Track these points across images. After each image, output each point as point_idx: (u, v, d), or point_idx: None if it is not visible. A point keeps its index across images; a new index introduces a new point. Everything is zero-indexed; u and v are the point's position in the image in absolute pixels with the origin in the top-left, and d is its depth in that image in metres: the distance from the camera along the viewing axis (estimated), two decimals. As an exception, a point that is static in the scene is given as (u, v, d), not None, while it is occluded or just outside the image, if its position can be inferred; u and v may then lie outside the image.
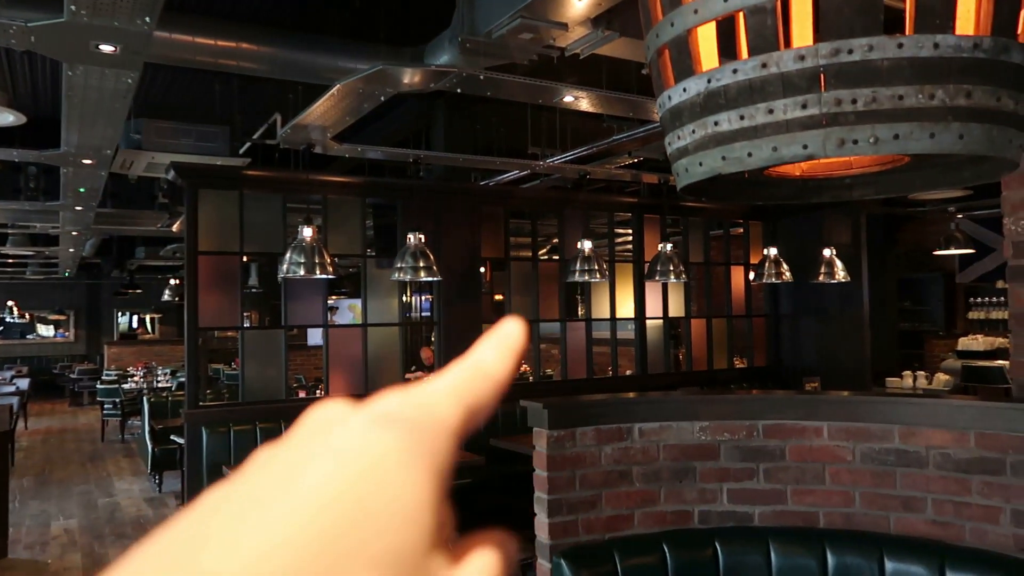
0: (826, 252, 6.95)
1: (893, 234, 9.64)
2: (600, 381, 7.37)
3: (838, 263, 6.95)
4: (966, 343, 8.49)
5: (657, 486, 2.42)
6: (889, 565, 2.22)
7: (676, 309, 7.88)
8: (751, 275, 7.84)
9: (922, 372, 7.72)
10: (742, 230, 8.42)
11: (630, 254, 7.82)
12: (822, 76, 1.23)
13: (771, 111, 1.28)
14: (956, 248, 7.68)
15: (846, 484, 2.38)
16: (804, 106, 1.24)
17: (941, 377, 7.51)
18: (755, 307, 8.41)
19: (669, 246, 6.70)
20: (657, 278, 6.65)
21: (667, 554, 2.30)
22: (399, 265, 5.46)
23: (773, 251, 6.98)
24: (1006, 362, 6.50)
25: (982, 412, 2.18)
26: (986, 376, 7.72)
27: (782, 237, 8.07)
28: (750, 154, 1.33)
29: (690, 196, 1.72)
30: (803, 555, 2.30)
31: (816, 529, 2.39)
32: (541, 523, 2.32)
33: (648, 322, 7.68)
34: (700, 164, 1.46)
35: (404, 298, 6.72)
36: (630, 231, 7.91)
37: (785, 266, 6.92)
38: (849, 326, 7.80)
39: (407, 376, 7.46)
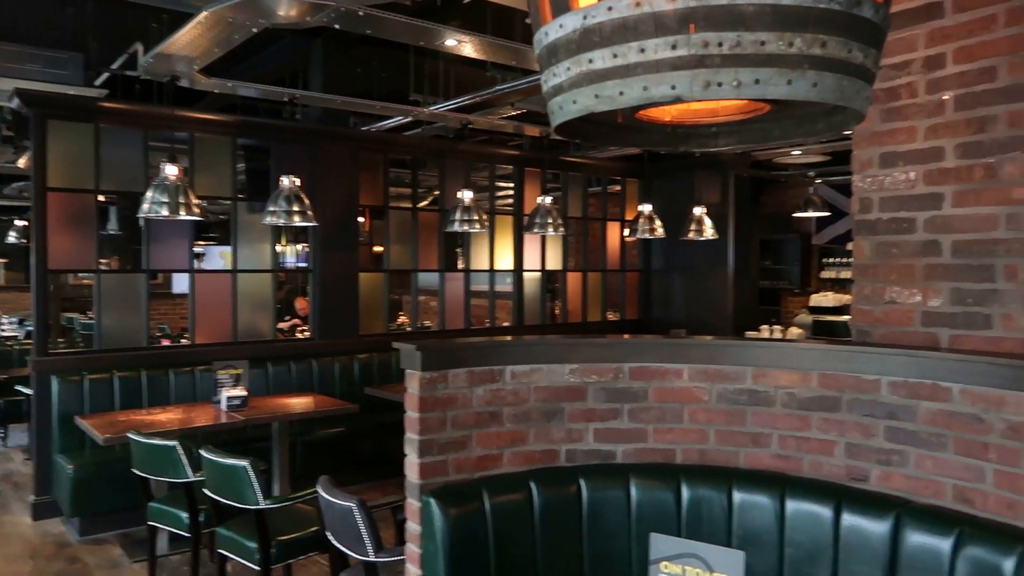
0: (696, 210, 7.25)
1: (758, 196, 10.17)
2: (477, 332, 7.43)
3: (707, 221, 7.27)
4: (817, 299, 9.13)
5: (527, 426, 2.48)
6: (737, 496, 2.38)
7: (554, 263, 8.03)
8: (626, 231, 8.08)
9: (778, 326, 8.25)
10: (619, 187, 8.64)
11: (511, 208, 7.86)
12: (692, 17, 1.26)
13: (643, 50, 1.29)
14: (813, 211, 8.20)
15: (702, 423, 2.52)
16: (674, 47, 1.26)
17: (794, 331, 8.06)
18: (629, 262, 8.69)
19: (549, 199, 6.77)
20: (536, 231, 6.73)
21: (534, 491, 2.37)
22: (271, 209, 5.25)
23: (647, 208, 7.21)
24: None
25: (824, 354, 2.36)
26: (833, 329, 8.36)
27: (656, 195, 8.34)
28: (622, 93, 1.34)
29: (566, 137, 1.73)
30: (660, 489, 2.43)
31: (673, 465, 2.53)
32: (411, 463, 2.33)
33: (526, 275, 7.79)
34: (574, 102, 1.46)
35: (279, 246, 6.48)
36: (511, 184, 7.94)
37: (658, 223, 7.17)
38: (715, 282, 8.21)
39: (280, 325, 7.24)
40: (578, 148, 8.07)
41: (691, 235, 7.29)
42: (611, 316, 8.60)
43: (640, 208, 7.33)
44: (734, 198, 8.18)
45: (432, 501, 2.25)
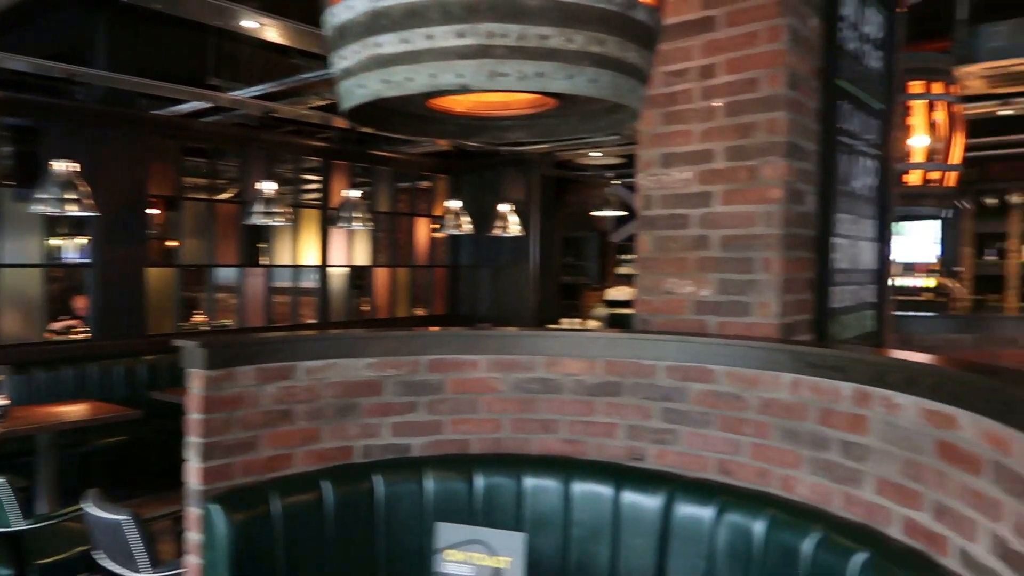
0: (503, 207, 7.45)
1: (561, 195, 10.61)
2: (279, 330, 7.13)
3: (513, 218, 7.49)
4: (613, 293, 9.69)
5: (321, 424, 2.40)
6: (527, 481, 2.46)
7: (362, 258, 7.88)
8: (435, 227, 8.12)
9: (578, 320, 8.67)
10: (429, 183, 8.66)
11: (318, 201, 7.61)
12: (478, 7, 1.27)
13: (431, 37, 1.29)
14: (610, 210, 8.69)
15: (497, 412, 2.57)
16: (461, 35, 1.27)
17: (591, 324, 8.50)
18: (437, 258, 8.74)
19: (357, 193, 6.64)
20: (343, 225, 6.57)
21: (326, 490, 2.30)
22: (41, 196, 4.69)
23: (456, 204, 7.30)
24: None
25: (610, 342, 2.50)
26: (625, 322, 8.92)
27: (465, 191, 8.45)
28: (410, 79, 1.33)
29: (358, 123, 1.69)
30: (455, 479, 2.45)
31: (468, 455, 2.57)
32: (192, 469, 2.18)
33: (333, 271, 7.58)
34: (363, 87, 1.43)
35: (56, 239, 5.81)
36: (319, 177, 7.69)
37: (466, 219, 7.28)
38: (520, 277, 8.47)
39: (53, 326, 6.51)
40: (389, 142, 7.99)
41: (497, 231, 7.46)
42: (419, 311, 8.60)
43: (448, 204, 7.39)
44: (539, 196, 8.48)
45: (214, 507, 2.11)
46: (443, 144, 7.49)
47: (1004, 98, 5.56)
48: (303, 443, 2.38)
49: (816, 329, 2.61)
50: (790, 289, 2.43)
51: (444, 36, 1.25)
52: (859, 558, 1.84)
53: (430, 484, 2.46)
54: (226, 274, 6.93)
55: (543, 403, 2.57)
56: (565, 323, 8.44)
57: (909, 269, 8.90)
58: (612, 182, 9.06)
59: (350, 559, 2.34)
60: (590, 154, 8.09)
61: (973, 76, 4.62)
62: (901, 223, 8.57)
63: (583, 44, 1.25)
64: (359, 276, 8.19)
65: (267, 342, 2.43)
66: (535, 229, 8.35)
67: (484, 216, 7.69)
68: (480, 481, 2.47)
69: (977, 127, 7.52)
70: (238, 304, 6.89)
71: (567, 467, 2.48)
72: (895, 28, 3.09)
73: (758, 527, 2.12)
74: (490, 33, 1.23)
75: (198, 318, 7.75)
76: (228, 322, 7.54)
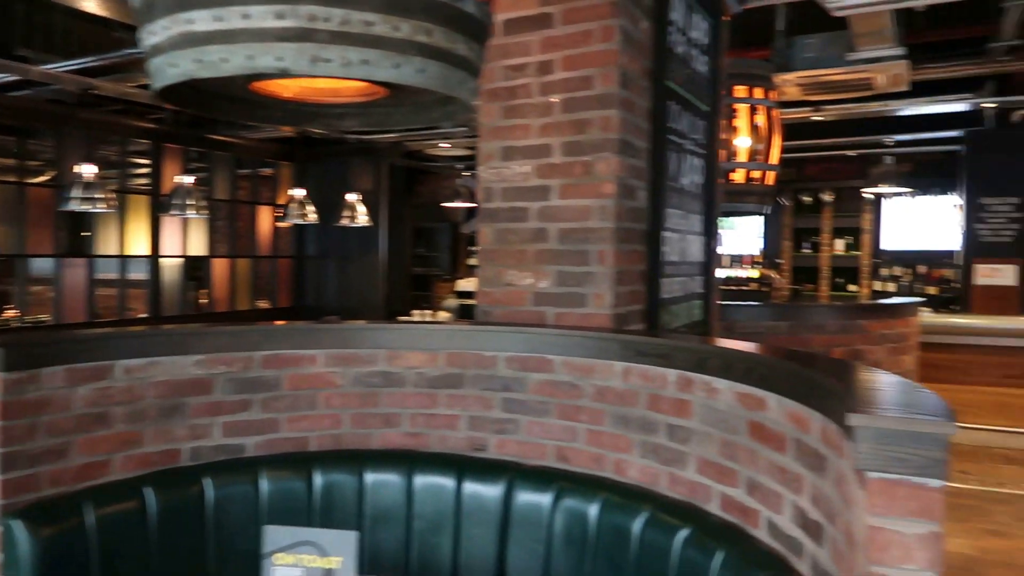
0: (350, 197, 7.27)
1: (412, 186, 10.52)
2: (103, 326, 6.60)
3: (361, 208, 7.34)
4: (462, 284, 9.74)
5: (143, 426, 2.23)
6: (369, 477, 2.42)
7: (198, 248, 7.44)
8: (278, 216, 7.80)
9: (429, 311, 8.64)
10: (272, 170, 8.30)
11: (147, 187, 7.10)
12: (299, -11, 1.21)
13: (247, 16, 1.22)
14: (460, 202, 8.71)
15: (336, 407, 2.51)
16: (280, 16, 1.21)
17: (442, 314, 8.50)
18: (282, 248, 8.41)
19: (191, 179, 6.25)
20: (175, 212, 6.17)
21: (149, 497, 2.15)
22: None
23: (300, 192, 7.05)
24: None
25: (451, 334, 2.50)
26: (472, 312, 9.01)
27: (310, 180, 8.18)
28: (225, 60, 1.25)
29: (173, 104, 1.58)
30: (292, 478, 2.37)
31: (306, 453, 2.49)
32: (-9, 481, 1.96)
33: (166, 262, 7.10)
34: (174, 66, 1.33)
35: None
36: (148, 161, 7.17)
37: (311, 208, 7.05)
38: (369, 269, 8.32)
39: None
40: (228, 126, 7.57)
41: (345, 221, 7.29)
42: (263, 304, 8.25)
43: (292, 192, 7.13)
44: (388, 186, 8.36)
45: (16, 523, 1.92)
46: (287, 130, 7.20)
47: (816, 105, 6.08)
48: (122, 448, 2.21)
49: (648, 318, 2.74)
50: (623, 281, 2.53)
51: (262, 16, 1.19)
52: (682, 534, 1.94)
53: (265, 485, 2.35)
54: (42, 265, 6.33)
55: (385, 397, 2.53)
56: (416, 314, 8.39)
57: (737, 261, 9.58)
58: (463, 173, 9.08)
59: (177, 568, 2.20)
60: (440, 145, 8.07)
61: (790, 83, 5.02)
62: (729, 218, 9.19)
63: (409, 33, 1.23)
64: (196, 267, 7.74)
65: (80, 339, 2.23)
66: (384, 220, 8.23)
67: (331, 205, 7.48)
68: (319, 479, 2.40)
69: (795, 131, 8.20)
70: (55, 298, 6.31)
71: (409, 460, 2.46)
72: (720, 34, 3.29)
73: (592, 510, 2.19)
74: (312, 16, 1.18)
75: (9, 313, 7.03)
76: (45, 317, 6.90)
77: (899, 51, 4.46)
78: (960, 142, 7.84)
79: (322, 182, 8.22)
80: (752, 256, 9.80)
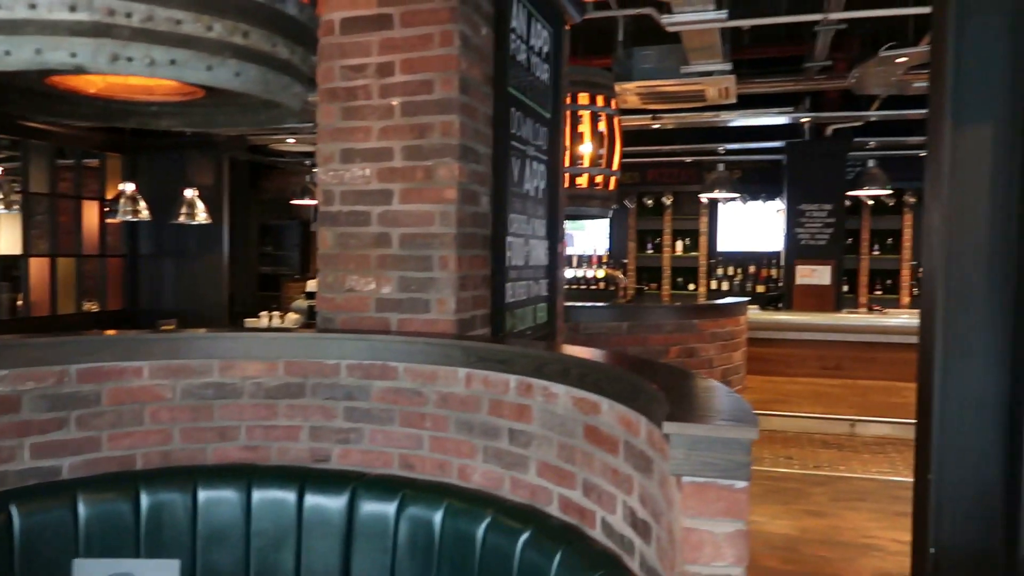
0: (187, 192, 6.86)
1: (257, 181, 10.08)
2: None
3: (199, 204, 6.93)
4: (313, 285, 9.46)
5: (-69, 452, 2.00)
6: (202, 494, 2.28)
7: (10, 246, 6.76)
8: (107, 211, 7.23)
9: (277, 312, 8.31)
10: (98, 162, 7.68)
11: (-53, 176, 6.36)
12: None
13: (33, 6, 1.11)
14: (310, 199, 8.44)
15: (166, 422, 2.35)
16: (73, 8, 1.11)
17: (291, 316, 8.21)
18: (111, 247, 7.80)
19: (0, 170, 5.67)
20: (-18, 207, 5.57)
21: (-62, 531, 1.92)
22: None
23: (130, 187, 6.57)
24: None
25: (289, 342, 2.41)
26: (327, 315, 8.75)
27: (143, 174, 7.64)
28: (8, 53, 1.13)
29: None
30: (115, 500, 2.20)
31: (131, 472, 2.32)
32: None
33: (-29, 260, 6.40)
34: (-49, 56, 1.19)
35: None
36: (-52, 148, 6.44)
37: (143, 204, 6.58)
38: (210, 268, 7.89)
39: None
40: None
41: (182, 218, 6.86)
42: (90, 306, 7.62)
43: (122, 187, 6.63)
44: (230, 181, 7.96)
45: None
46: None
47: (654, 113, 6.40)
48: (-96, 479, 1.96)
49: (493, 323, 2.76)
50: (467, 286, 2.54)
51: (52, 7, 1.09)
52: (523, 537, 1.97)
53: (83, 510, 2.17)
54: None
55: (219, 409, 2.41)
56: (264, 316, 8.05)
57: (585, 261, 9.91)
58: (313, 169, 8.80)
59: (-27, 611, 1.99)
60: (287, 140, 7.78)
61: (630, 92, 5.25)
62: (579, 220, 9.49)
63: (223, 34, 1.16)
64: (9, 267, 7.03)
65: None
66: (226, 217, 7.83)
67: (167, 201, 7.02)
68: (146, 499, 2.24)
69: (637, 137, 8.59)
70: None
71: (247, 475, 2.35)
72: (561, 43, 3.37)
73: (437, 517, 2.18)
74: (110, 10, 1.09)
75: None
76: None
77: (727, 66, 4.77)
78: (782, 152, 8.51)
79: (156, 176, 7.70)
80: (599, 256, 10.17)
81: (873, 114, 6.63)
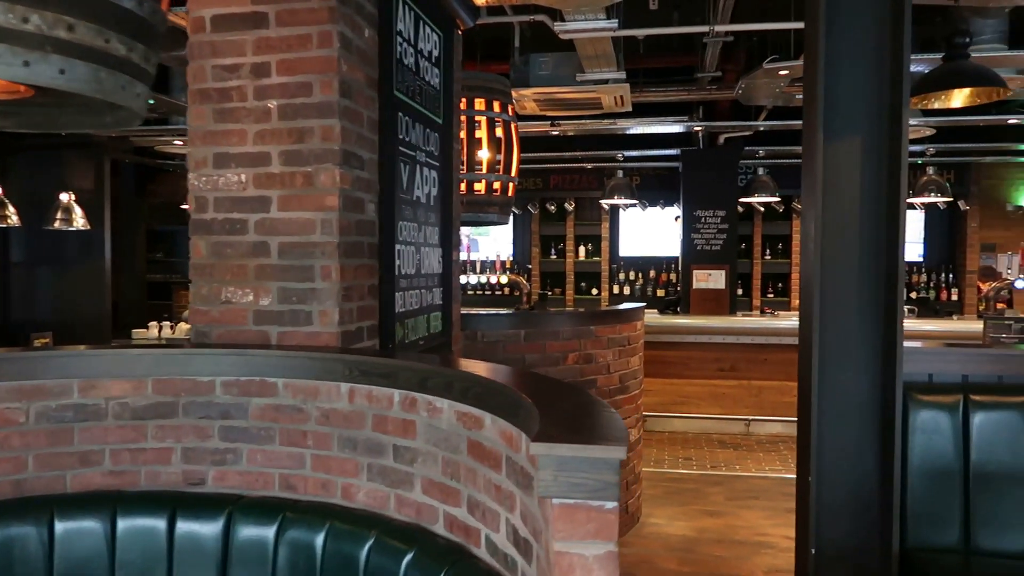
0: (63, 197, 6.43)
1: (144, 185, 9.58)
2: None
3: (77, 209, 6.51)
4: (207, 295, 9.06)
5: None
6: (60, 526, 2.10)
7: None
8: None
9: (168, 322, 7.90)
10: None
11: None
12: None
13: None
14: (200, 205, 8.07)
15: (17, 448, 2.16)
16: None
17: (183, 326, 7.82)
18: (-22, 255, 7.24)
19: None
20: None
21: None
22: None
23: (-2, 191, 6.10)
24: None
25: (159, 359, 2.25)
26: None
27: (12, 177, 7.12)
28: None
29: None
30: (-46, 539, 1.99)
31: (-27, 507, 2.11)
32: None
33: None
34: None
35: None
36: None
37: (12, 209, 6.12)
38: (90, 277, 7.42)
39: None
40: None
41: (58, 224, 6.42)
42: (-47, 320, 7.04)
43: (-12, 191, 6.15)
44: (113, 185, 7.52)
45: None
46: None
47: (553, 120, 6.44)
48: None
49: (382, 334, 2.68)
50: (352, 296, 2.44)
51: None
52: (407, 558, 1.90)
53: (-83, 550, 1.96)
54: None
55: (80, 433, 2.22)
56: (154, 327, 7.63)
57: (488, 267, 9.89)
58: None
59: None
60: (174, 142, 7.42)
61: (527, 99, 5.25)
62: (480, 227, 9.47)
63: (44, 26, 1.04)
64: None
65: None
66: (107, 221, 7.38)
67: (40, 206, 6.56)
68: (-8, 536, 2.04)
69: (540, 144, 8.64)
70: None
71: (112, 502, 2.17)
72: (452, 48, 3.32)
73: (319, 540, 2.08)
74: (-94, -4, 0.96)
75: None
76: None
77: (621, 75, 4.84)
78: (678, 160, 8.75)
79: (30, 178, 7.19)
80: (503, 262, 10.17)
81: (762, 124, 6.89)
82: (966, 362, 2.47)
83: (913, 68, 4.33)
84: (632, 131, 7.27)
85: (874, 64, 2.29)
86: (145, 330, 7.71)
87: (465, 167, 4.58)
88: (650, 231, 10.16)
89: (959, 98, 3.27)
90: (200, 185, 2.43)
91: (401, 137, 2.78)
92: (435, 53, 3.16)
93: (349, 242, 2.42)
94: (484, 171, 4.63)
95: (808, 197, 2.41)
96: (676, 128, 7.21)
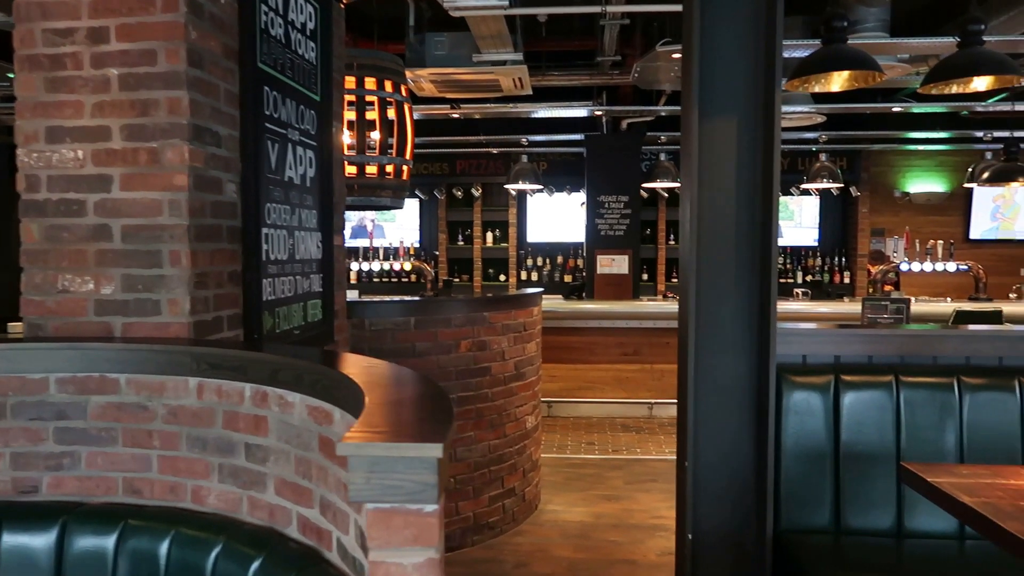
0: (-81, 179, 5.88)
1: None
2: None
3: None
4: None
5: None
6: None
7: None
8: None
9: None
10: None
11: None
12: None
13: None
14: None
15: None
16: None
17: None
18: None
19: None
20: None
21: None
22: None
23: None
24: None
25: (-19, 356, 2.02)
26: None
27: None
28: None
29: None
30: None
31: None
32: None
33: None
34: None
35: None
36: None
37: None
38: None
39: None
40: None
41: (-87, 209, 5.87)
42: None
43: None
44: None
45: None
46: None
47: (453, 103, 6.30)
48: None
49: (247, 323, 2.51)
50: (207, 283, 2.26)
51: None
52: (254, 565, 1.76)
53: None
54: None
55: None
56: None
57: (392, 253, 9.67)
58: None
59: None
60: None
61: (424, 79, 5.09)
62: (377, 212, 9.24)
63: None
64: None
65: None
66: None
67: None
68: None
69: (444, 127, 8.48)
70: None
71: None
72: (331, 20, 3.14)
73: (163, 549, 1.91)
74: None
75: None
76: None
77: (518, 56, 4.74)
78: (583, 145, 8.75)
79: None
80: (406, 249, 9.98)
81: (662, 109, 6.93)
82: (838, 343, 2.50)
83: (798, 54, 4.40)
84: (537, 115, 7.21)
85: (750, 46, 2.26)
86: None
87: (356, 149, 4.40)
88: (558, 217, 10.16)
89: (838, 82, 3.32)
90: (31, 162, 2.19)
91: (268, 113, 2.60)
92: (310, 25, 2.98)
93: (203, 225, 2.23)
94: (376, 153, 4.46)
95: (685, 179, 2.37)
96: (581, 112, 7.18)
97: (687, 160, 2.35)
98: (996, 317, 6.39)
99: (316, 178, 3.08)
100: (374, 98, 4.40)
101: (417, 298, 4.18)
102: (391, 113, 4.45)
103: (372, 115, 4.43)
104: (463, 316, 4.00)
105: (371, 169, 4.50)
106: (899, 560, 2.26)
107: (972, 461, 2.34)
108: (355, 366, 1.74)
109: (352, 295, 7.53)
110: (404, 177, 4.65)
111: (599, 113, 7.18)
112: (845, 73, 3.25)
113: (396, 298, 4.14)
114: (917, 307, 7.01)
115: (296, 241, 2.90)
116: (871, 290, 7.98)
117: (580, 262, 9.88)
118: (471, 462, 4.08)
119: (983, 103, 6.97)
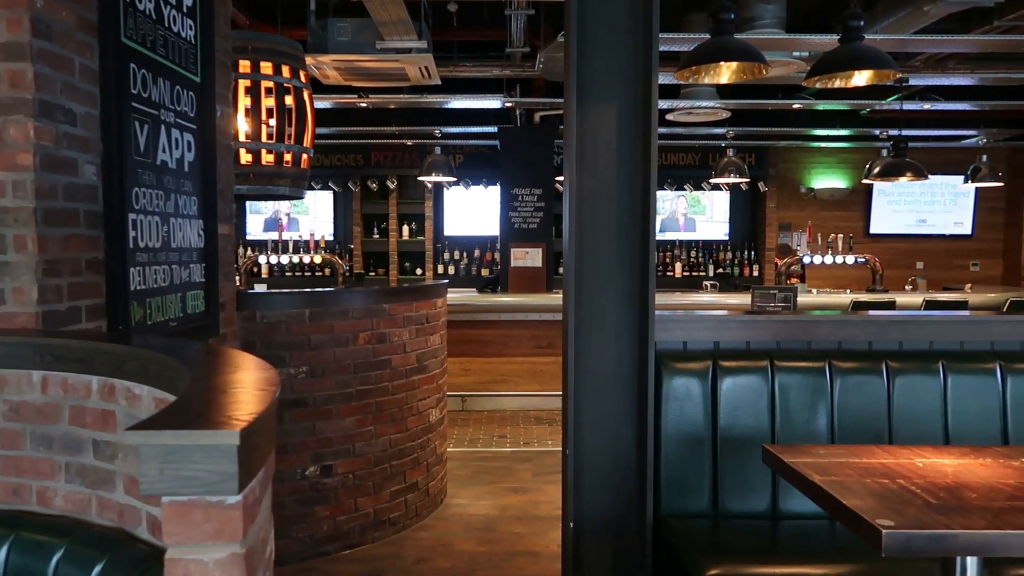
0: None
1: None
2: None
3: None
4: None
5: None
6: None
7: None
8: None
9: None
10: None
11: None
12: None
13: None
14: None
15: None
16: None
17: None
18: None
19: None
20: None
21: None
22: None
23: None
24: None
25: None
26: None
27: None
28: None
29: None
30: None
31: None
32: None
33: None
34: None
35: None
36: None
37: None
38: None
39: None
40: None
41: None
42: None
43: None
44: None
45: None
46: None
47: (360, 92, 6.16)
48: None
49: (111, 314, 2.37)
50: (60, 271, 2.12)
51: None
52: (98, 568, 1.66)
53: None
54: None
55: None
56: None
57: (303, 246, 9.44)
58: None
59: None
60: None
61: (327, 66, 4.96)
62: (302, 203, 9.01)
63: None
64: None
65: None
66: None
67: None
68: None
69: (357, 117, 8.32)
70: None
71: None
72: (211, -1, 3.01)
73: (1, 555, 1.78)
74: None
75: None
76: None
77: (423, 44, 4.67)
78: (496, 137, 8.73)
79: None
80: (316, 241, 9.77)
81: (574, 104, 6.96)
82: (718, 329, 2.54)
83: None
84: (450, 106, 7.14)
85: (629, 34, 2.26)
86: None
87: (252, 136, 4.25)
88: (475, 210, 10.12)
89: (726, 73, 3.38)
90: None
91: (136, 92, 2.46)
92: (187, 2, 2.84)
93: (53, 208, 2.09)
94: (273, 141, 4.31)
95: (567, 165, 2.36)
96: (494, 104, 7.15)
97: (568, 145, 2.34)
98: (890, 307, 6.68)
99: (196, 163, 2.95)
100: (271, 83, 4.26)
101: (311, 289, 4.06)
102: (289, 100, 4.31)
103: (269, 102, 4.28)
104: (361, 308, 3.91)
105: (268, 157, 4.35)
106: (773, 542, 2.31)
107: (842, 442, 2.41)
108: (213, 356, 1.65)
109: (260, 289, 7.30)
110: (304, 166, 4.52)
111: (510, 105, 7.16)
112: (733, 65, 3.31)
113: (289, 290, 4.02)
114: (818, 298, 7.26)
115: (172, 228, 2.76)
116: (777, 283, 8.22)
117: (497, 256, 9.86)
118: (371, 457, 3.99)
119: (881, 102, 7.27)
